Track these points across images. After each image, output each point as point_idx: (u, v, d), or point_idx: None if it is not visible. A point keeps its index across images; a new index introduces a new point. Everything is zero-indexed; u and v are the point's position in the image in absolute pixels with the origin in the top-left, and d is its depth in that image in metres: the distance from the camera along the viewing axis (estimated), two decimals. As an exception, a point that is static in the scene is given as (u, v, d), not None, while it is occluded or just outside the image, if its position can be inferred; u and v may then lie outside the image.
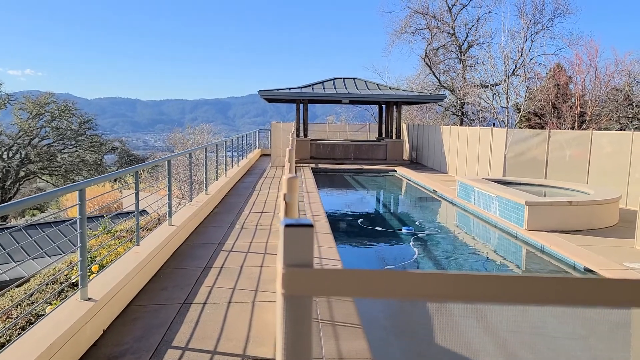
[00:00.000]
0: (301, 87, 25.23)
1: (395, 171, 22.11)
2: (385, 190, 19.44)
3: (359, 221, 12.70)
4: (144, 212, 15.86)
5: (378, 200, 17.82)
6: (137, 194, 6.39)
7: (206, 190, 11.49)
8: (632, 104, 27.98)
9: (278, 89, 24.82)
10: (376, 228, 11.80)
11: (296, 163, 20.61)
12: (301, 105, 25.22)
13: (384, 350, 4.90)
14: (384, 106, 28.07)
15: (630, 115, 28.13)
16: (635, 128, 27.05)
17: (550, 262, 8.57)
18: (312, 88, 25.27)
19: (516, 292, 0.90)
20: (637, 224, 8.72)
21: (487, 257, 9.70)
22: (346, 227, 12.29)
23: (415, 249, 9.61)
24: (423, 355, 5.03)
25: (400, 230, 11.28)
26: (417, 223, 12.15)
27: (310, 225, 0.82)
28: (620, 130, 26.93)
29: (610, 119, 28.24)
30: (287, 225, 0.82)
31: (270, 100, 27.58)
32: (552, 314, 4.96)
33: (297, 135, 24.11)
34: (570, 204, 10.07)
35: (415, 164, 25.15)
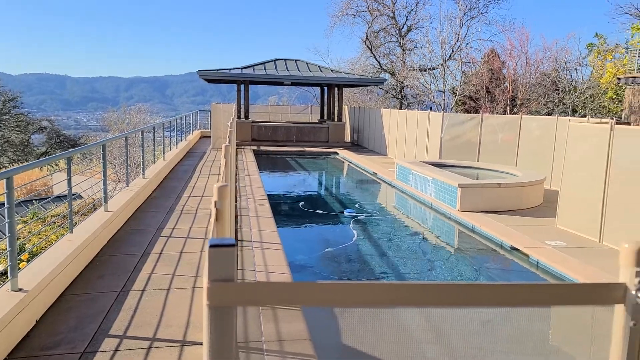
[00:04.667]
0: (242, 68, 24.85)
1: (337, 153, 22.38)
2: (327, 173, 19.67)
3: (300, 204, 12.82)
4: (77, 196, 15.26)
5: (319, 182, 18.02)
6: (69, 180, 6.17)
7: (143, 174, 11.22)
8: (557, 90, 29.61)
9: (218, 70, 24.33)
10: (317, 211, 11.97)
11: (237, 145, 20.41)
12: (242, 86, 24.87)
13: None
14: (325, 88, 28.18)
15: (557, 100, 29.77)
16: (561, 112, 28.68)
17: (480, 242, 9.05)
18: (253, 69, 24.95)
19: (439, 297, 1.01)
20: (558, 204, 9.35)
21: (423, 238, 10.10)
22: (288, 210, 12.38)
23: (354, 231, 9.86)
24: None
25: (342, 212, 11.51)
26: (357, 205, 12.42)
27: (233, 245, 0.89)
28: (548, 114, 28.46)
29: (539, 103, 29.78)
30: (211, 246, 0.90)
31: (210, 81, 27.01)
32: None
33: (239, 117, 23.81)
34: (499, 186, 10.63)
35: (356, 146, 25.53)
